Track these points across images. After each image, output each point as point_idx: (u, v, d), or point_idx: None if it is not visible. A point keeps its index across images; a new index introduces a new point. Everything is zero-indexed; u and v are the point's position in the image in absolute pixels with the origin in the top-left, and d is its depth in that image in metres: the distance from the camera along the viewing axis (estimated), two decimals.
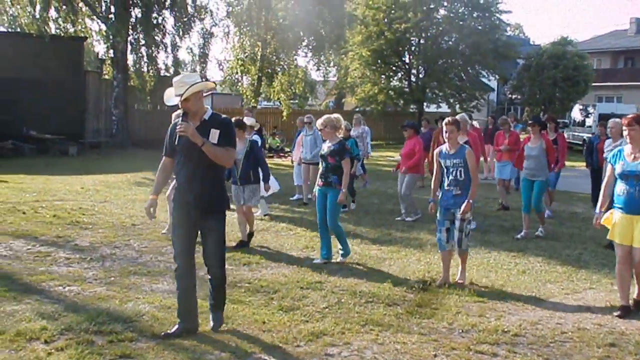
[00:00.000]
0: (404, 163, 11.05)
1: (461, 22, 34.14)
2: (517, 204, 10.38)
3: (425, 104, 35.77)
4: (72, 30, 25.79)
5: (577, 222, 11.24)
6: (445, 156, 6.98)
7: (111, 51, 25.12)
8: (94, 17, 25.73)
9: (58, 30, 25.32)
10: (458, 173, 6.88)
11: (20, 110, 22.22)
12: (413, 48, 36.16)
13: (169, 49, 25.69)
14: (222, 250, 5.20)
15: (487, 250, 8.74)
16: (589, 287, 7.07)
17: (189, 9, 25.73)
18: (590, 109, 30.35)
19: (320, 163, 7.98)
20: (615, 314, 6.00)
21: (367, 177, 15.34)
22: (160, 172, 5.21)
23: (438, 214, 7.04)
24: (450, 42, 35.78)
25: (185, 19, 25.50)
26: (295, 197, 12.81)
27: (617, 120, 8.79)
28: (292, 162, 14.20)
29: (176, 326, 5.11)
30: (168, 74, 24.72)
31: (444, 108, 35.50)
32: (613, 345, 5.21)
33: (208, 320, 5.29)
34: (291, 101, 31.66)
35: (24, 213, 10.10)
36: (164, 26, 25.61)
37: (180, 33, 25.60)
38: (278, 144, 25.97)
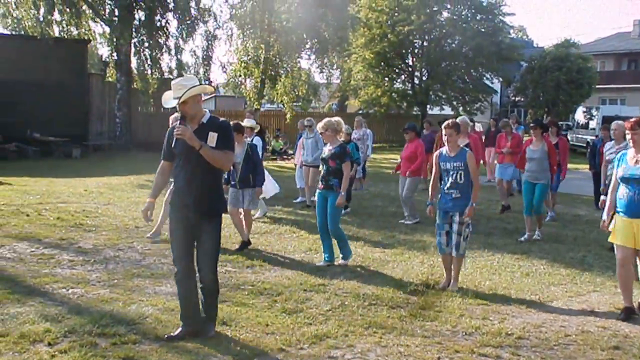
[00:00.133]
0: (404, 166, 11.03)
1: (464, 25, 34.12)
2: (520, 206, 10.37)
3: (428, 106, 35.77)
4: (75, 33, 25.88)
5: (581, 224, 11.22)
6: (446, 159, 6.95)
7: (115, 54, 25.15)
8: (98, 19, 25.83)
9: (62, 33, 25.40)
10: (458, 176, 6.83)
11: (24, 113, 22.28)
12: (416, 50, 36.17)
13: (172, 52, 25.75)
14: (216, 255, 5.16)
15: (491, 252, 8.73)
16: (593, 289, 7.06)
17: (193, 11, 25.78)
18: (594, 112, 30.31)
19: (321, 166, 7.99)
20: (619, 317, 5.98)
21: (364, 182, 15.36)
22: (158, 175, 5.20)
23: (437, 218, 7.00)
24: (454, 45, 35.77)
25: (188, 22, 25.53)
26: (298, 200, 12.82)
27: (621, 122, 8.79)
28: (294, 165, 14.22)
29: (179, 329, 5.11)
30: (171, 77, 24.72)
31: (447, 110, 35.48)
32: (617, 348, 5.20)
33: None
34: (294, 104, 31.65)
35: (27, 215, 10.11)
36: (167, 29, 25.67)
37: (184, 36, 25.64)
38: (281, 147, 25.99)
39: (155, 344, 4.91)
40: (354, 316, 5.80)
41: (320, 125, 7.82)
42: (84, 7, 25.19)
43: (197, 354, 4.79)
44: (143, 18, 24.94)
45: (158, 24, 25.25)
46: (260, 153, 10.68)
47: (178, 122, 4.96)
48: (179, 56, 25.86)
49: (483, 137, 15.37)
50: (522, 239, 9.68)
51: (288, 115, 29.05)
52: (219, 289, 5.27)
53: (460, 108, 35.03)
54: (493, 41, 33.69)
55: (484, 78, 36.66)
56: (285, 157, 24.37)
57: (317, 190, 7.94)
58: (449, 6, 35.14)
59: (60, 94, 23.32)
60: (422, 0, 32.99)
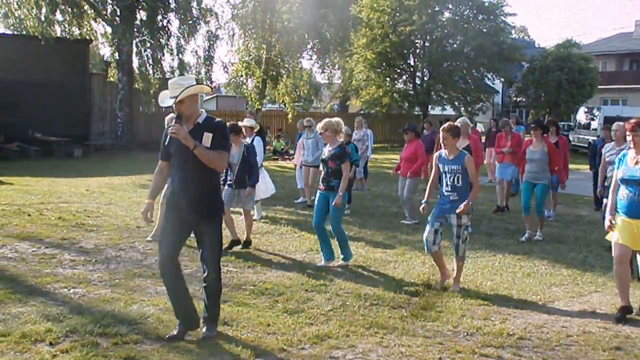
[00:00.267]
0: (404, 166, 11.03)
1: (466, 25, 34.12)
2: (519, 206, 10.35)
3: (430, 106, 35.77)
4: (77, 33, 25.90)
5: (583, 225, 11.21)
6: (444, 161, 6.91)
7: (116, 54, 25.19)
8: (100, 19, 25.82)
9: (64, 33, 25.41)
10: (456, 179, 6.79)
11: (25, 113, 22.32)
12: (418, 51, 36.19)
13: (174, 52, 25.72)
14: (218, 256, 5.15)
15: (492, 253, 8.72)
16: (595, 290, 7.05)
17: (194, 11, 25.78)
18: (596, 112, 30.30)
19: (321, 167, 7.99)
20: (616, 315, 5.97)
21: (366, 182, 15.35)
22: (156, 175, 5.18)
23: (431, 215, 6.91)
24: (455, 45, 35.76)
25: (190, 22, 25.53)
26: (299, 200, 12.82)
27: (621, 124, 8.78)
28: (294, 165, 14.23)
29: (177, 328, 5.09)
30: (173, 77, 24.74)
31: (449, 111, 35.49)
32: (618, 349, 5.20)
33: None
34: (296, 104, 31.69)
35: (29, 215, 10.12)
36: (169, 29, 25.65)
37: (186, 36, 25.63)
38: (283, 147, 26.00)
39: (156, 344, 4.91)
40: (355, 316, 5.80)
41: (319, 125, 7.81)
42: (86, 7, 25.19)
43: (199, 354, 4.79)
44: (145, 18, 24.93)
45: (160, 24, 25.24)
46: (261, 153, 10.69)
47: (174, 121, 4.94)
48: (180, 56, 25.88)
49: (483, 138, 15.34)
50: (523, 238, 9.69)
51: (290, 116, 29.05)
52: (221, 288, 5.26)
53: (462, 108, 35.03)
54: (494, 41, 33.68)
55: (486, 78, 36.66)
56: (286, 157, 24.39)
57: (318, 192, 7.94)
58: (450, 6, 35.16)
59: (61, 94, 23.35)
60: (424, 1, 33.01)
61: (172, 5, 25.51)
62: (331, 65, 32.53)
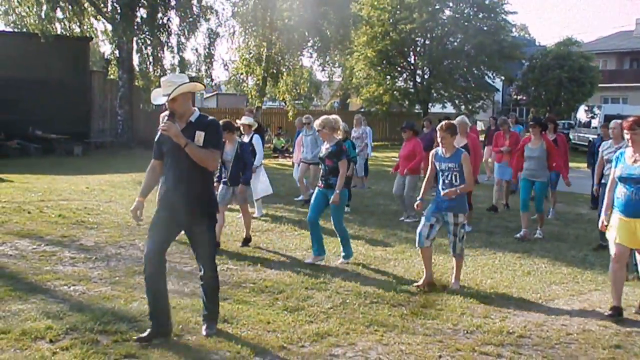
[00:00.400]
0: (403, 165, 11.02)
1: (466, 23, 34.12)
2: (518, 204, 10.33)
3: (430, 104, 35.76)
4: (77, 30, 25.88)
5: (583, 223, 11.21)
6: (441, 159, 6.90)
7: (117, 51, 25.16)
8: (100, 17, 25.84)
9: (64, 31, 25.42)
10: (453, 177, 6.77)
11: (25, 110, 22.30)
12: (418, 49, 36.18)
13: (174, 49, 25.73)
14: (213, 254, 5.14)
15: (492, 251, 8.73)
16: (595, 288, 7.06)
17: (195, 9, 25.78)
18: (596, 110, 30.29)
19: (320, 165, 7.99)
20: (606, 313, 5.97)
21: (366, 180, 15.36)
22: (148, 173, 5.14)
23: (428, 209, 6.89)
24: (456, 43, 35.77)
25: (190, 19, 25.53)
26: (299, 198, 12.82)
27: (619, 122, 8.76)
28: (293, 163, 14.23)
29: (148, 330, 4.97)
30: None
31: (450, 109, 35.47)
32: (618, 347, 5.20)
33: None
34: (296, 102, 31.68)
35: (29, 212, 10.12)
36: (169, 26, 25.63)
37: (186, 33, 25.62)
38: (283, 144, 26.00)
39: (156, 342, 4.90)
40: (355, 314, 5.80)
41: (317, 122, 7.77)
42: (86, 4, 25.20)
43: (199, 351, 4.79)
44: (145, 16, 24.92)
45: (160, 21, 25.23)
46: (261, 151, 10.67)
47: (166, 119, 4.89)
48: (181, 54, 25.86)
49: (482, 136, 15.30)
50: (518, 235, 9.67)
51: (290, 113, 29.04)
52: (219, 285, 5.26)
53: (462, 106, 35.01)
54: (495, 39, 33.68)
55: (486, 76, 36.65)
56: (287, 155, 24.39)
57: (317, 189, 7.93)
58: (451, 4, 35.16)
59: (62, 92, 23.32)
60: None
61: (173, 3, 25.51)
62: (331, 63, 32.52)
